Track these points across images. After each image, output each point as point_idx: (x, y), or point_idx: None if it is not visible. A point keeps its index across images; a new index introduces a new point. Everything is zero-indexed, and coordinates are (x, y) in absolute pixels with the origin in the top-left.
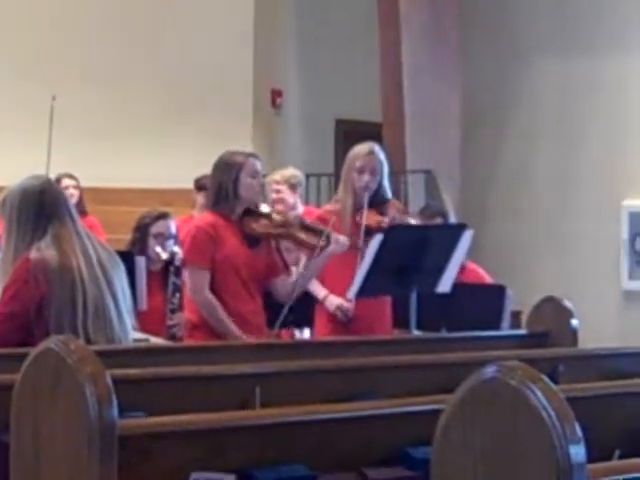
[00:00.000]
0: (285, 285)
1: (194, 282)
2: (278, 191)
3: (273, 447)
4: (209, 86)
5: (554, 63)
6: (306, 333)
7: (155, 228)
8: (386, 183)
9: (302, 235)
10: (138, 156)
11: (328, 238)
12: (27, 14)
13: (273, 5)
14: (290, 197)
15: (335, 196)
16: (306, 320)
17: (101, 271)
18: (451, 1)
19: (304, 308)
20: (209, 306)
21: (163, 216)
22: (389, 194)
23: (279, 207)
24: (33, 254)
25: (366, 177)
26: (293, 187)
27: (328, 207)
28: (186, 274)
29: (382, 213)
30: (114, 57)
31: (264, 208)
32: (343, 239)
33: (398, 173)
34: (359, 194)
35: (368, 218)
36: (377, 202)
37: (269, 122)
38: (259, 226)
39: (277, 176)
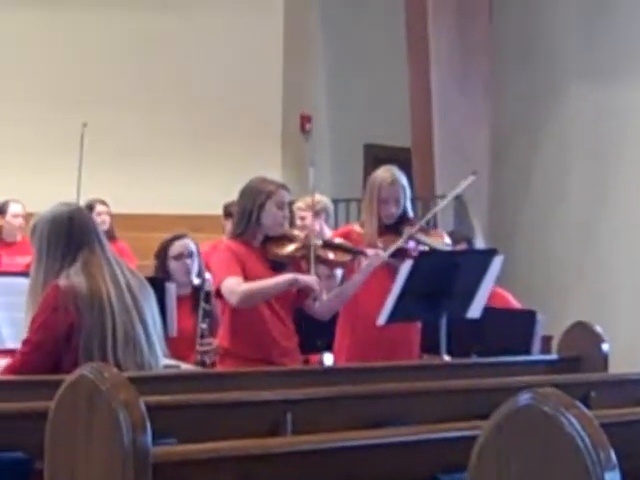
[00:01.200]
0: (322, 303)
1: (228, 287)
2: (302, 218)
3: (305, 474)
4: (239, 111)
5: (585, 89)
6: (328, 358)
7: (173, 250)
8: (408, 205)
9: (328, 254)
10: (168, 182)
11: (361, 253)
12: (58, 41)
13: (303, 30)
14: (315, 224)
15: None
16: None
17: (130, 298)
18: (480, 30)
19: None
20: (248, 291)
21: (178, 237)
22: (410, 214)
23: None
24: (62, 281)
25: (392, 208)
26: (317, 214)
27: (356, 228)
28: (223, 291)
29: (398, 232)
30: (144, 83)
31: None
32: (380, 252)
33: (427, 199)
34: (383, 223)
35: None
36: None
37: (298, 147)
38: (282, 250)
39: (301, 203)
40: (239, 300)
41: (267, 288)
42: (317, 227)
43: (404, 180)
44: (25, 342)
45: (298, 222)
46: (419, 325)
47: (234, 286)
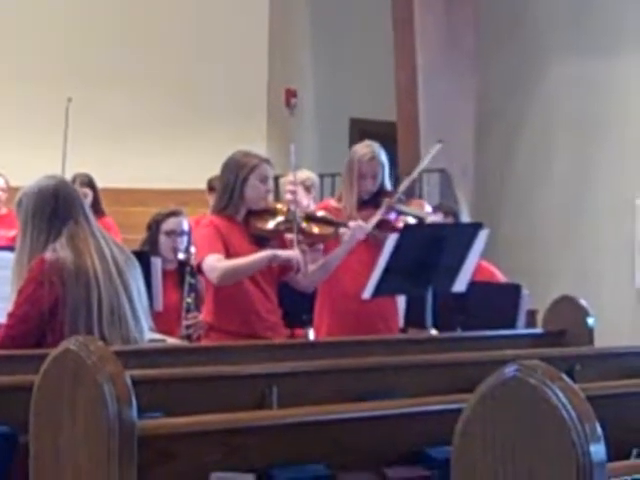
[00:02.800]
0: (305, 275)
1: (208, 264)
2: (293, 192)
3: (292, 447)
4: (224, 86)
5: (570, 64)
6: (311, 333)
7: (166, 225)
8: (387, 180)
9: (312, 227)
10: (153, 156)
11: (344, 225)
12: (42, 17)
13: (287, 5)
14: (304, 198)
15: (337, 194)
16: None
17: (116, 272)
18: (466, 5)
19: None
20: (228, 268)
21: (174, 213)
22: (388, 188)
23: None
24: (48, 255)
25: (368, 184)
26: (307, 189)
27: (333, 203)
28: (204, 268)
29: (376, 205)
30: (129, 58)
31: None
32: (362, 224)
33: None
34: (361, 198)
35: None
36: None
37: (284, 122)
38: (265, 224)
39: (291, 177)
40: (219, 277)
41: (246, 265)
42: (305, 202)
43: (383, 157)
44: (10, 315)
45: (287, 196)
46: (397, 300)
47: (214, 263)
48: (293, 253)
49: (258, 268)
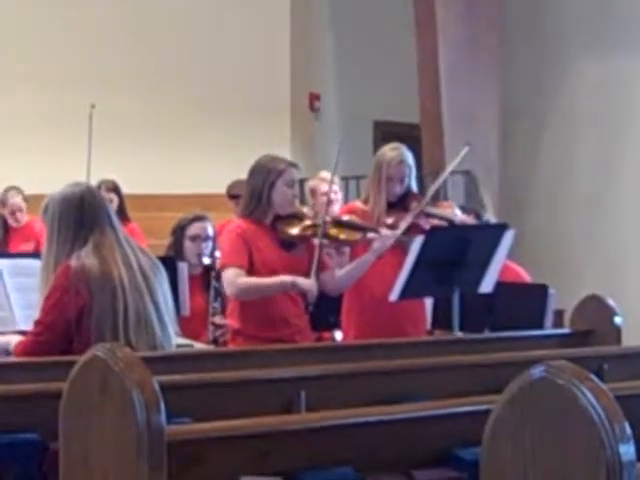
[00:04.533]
0: (333, 279)
1: (227, 277)
2: (335, 192)
3: (320, 450)
4: (247, 91)
5: (593, 61)
6: (339, 335)
7: (191, 230)
8: (413, 182)
9: (338, 232)
10: (178, 162)
11: (372, 230)
12: (66, 23)
13: (309, 9)
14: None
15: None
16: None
17: (142, 278)
18: (489, 4)
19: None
20: (244, 287)
21: (199, 218)
22: (415, 191)
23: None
24: (74, 262)
25: (396, 187)
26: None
27: (359, 204)
28: (223, 278)
29: (404, 208)
30: (152, 64)
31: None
32: (391, 232)
33: (437, 174)
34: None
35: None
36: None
37: (307, 126)
38: (292, 229)
39: (324, 181)
40: (235, 293)
41: (263, 288)
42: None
43: (411, 159)
44: (37, 323)
45: (332, 195)
46: (425, 302)
47: (233, 278)
48: (311, 283)
49: (275, 292)
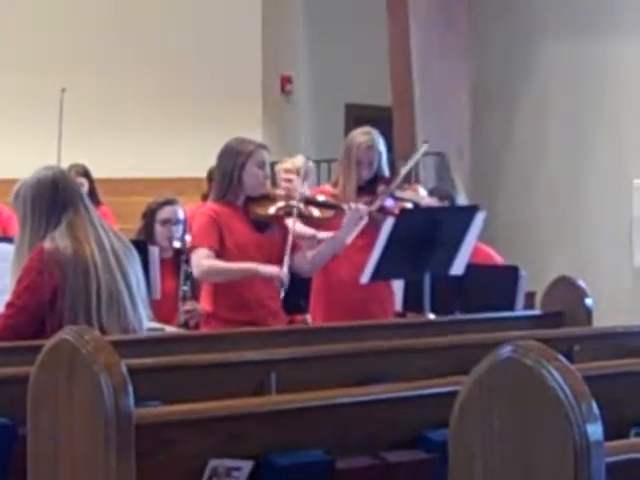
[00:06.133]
0: (305, 260)
1: (194, 258)
2: (289, 180)
3: (290, 433)
4: (218, 74)
5: (565, 43)
6: (309, 318)
7: (161, 214)
8: (384, 167)
9: (312, 211)
10: (148, 146)
11: (342, 209)
12: (35, 7)
13: None
14: (300, 187)
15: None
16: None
17: (115, 260)
18: None
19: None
20: (209, 269)
21: (170, 202)
22: (385, 174)
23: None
24: (47, 244)
25: (364, 171)
26: (305, 176)
27: (328, 188)
28: (191, 258)
29: (373, 192)
30: (122, 47)
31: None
32: (361, 206)
33: (408, 157)
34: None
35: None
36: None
37: (279, 108)
38: (264, 209)
39: (288, 164)
40: (200, 274)
41: (229, 272)
42: (301, 190)
43: (381, 145)
44: (9, 305)
45: (283, 184)
46: (391, 285)
47: (201, 259)
48: (275, 269)
49: (239, 277)
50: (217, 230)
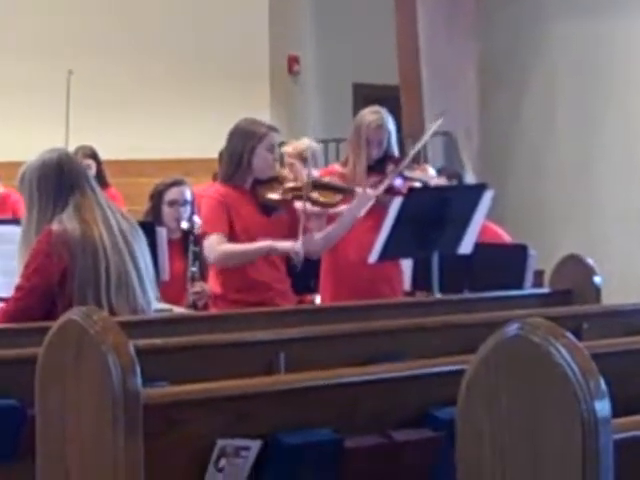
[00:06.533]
0: (314, 242)
1: (208, 244)
2: (291, 164)
3: (298, 412)
4: (226, 55)
5: (572, 23)
6: (319, 299)
7: (169, 195)
8: (394, 146)
9: (320, 195)
10: (157, 127)
11: (353, 191)
12: None
13: None
14: (302, 171)
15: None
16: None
17: (123, 241)
18: None
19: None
20: (225, 254)
21: (177, 183)
22: (395, 154)
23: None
24: (55, 226)
25: (374, 150)
26: (305, 160)
27: (337, 168)
28: (204, 245)
29: (383, 171)
30: (130, 28)
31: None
32: (370, 190)
33: (416, 136)
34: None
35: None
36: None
37: (287, 89)
38: (272, 193)
39: (289, 148)
40: (216, 260)
41: (244, 253)
42: (304, 174)
43: (391, 124)
44: (18, 287)
45: (286, 169)
46: (400, 264)
47: (213, 245)
48: (291, 246)
49: (255, 257)
50: (226, 213)
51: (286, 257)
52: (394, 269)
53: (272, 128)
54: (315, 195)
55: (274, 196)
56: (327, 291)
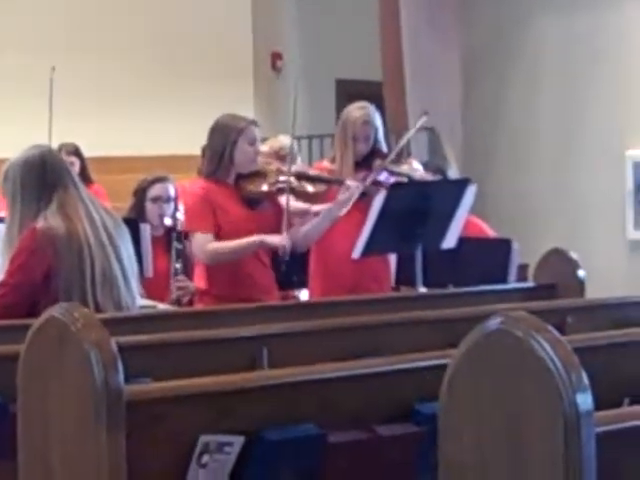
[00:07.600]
0: (299, 235)
1: (196, 243)
2: (267, 163)
3: (281, 407)
4: (209, 51)
5: (555, 15)
6: (304, 294)
7: (152, 191)
8: (380, 140)
9: (305, 186)
10: (140, 123)
11: (337, 182)
12: None
13: None
14: (283, 167)
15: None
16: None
17: (107, 237)
18: None
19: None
20: (216, 252)
21: (160, 179)
22: (383, 149)
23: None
24: (40, 224)
25: (361, 146)
26: (282, 158)
27: (326, 164)
28: (192, 244)
29: (369, 167)
30: (113, 25)
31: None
32: (352, 183)
33: (400, 132)
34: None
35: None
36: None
37: (270, 85)
38: (255, 186)
39: (265, 147)
40: (207, 259)
41: (234, 250)
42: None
43: (377, 119)
44: (1, 284)
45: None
46: (389, 260)
47: (202, 244)
48: (280, 238)
49: (246, 253)
50: (211, 210)
51: (272, 252)
52: (382, 265)
53: (252, 122)
54: (299, 186)
55: (258, 189)
56: (316, 286)
